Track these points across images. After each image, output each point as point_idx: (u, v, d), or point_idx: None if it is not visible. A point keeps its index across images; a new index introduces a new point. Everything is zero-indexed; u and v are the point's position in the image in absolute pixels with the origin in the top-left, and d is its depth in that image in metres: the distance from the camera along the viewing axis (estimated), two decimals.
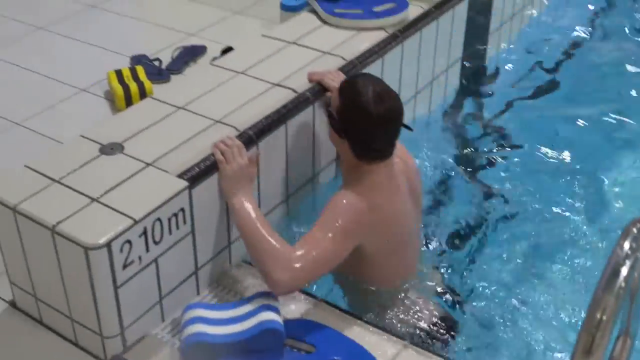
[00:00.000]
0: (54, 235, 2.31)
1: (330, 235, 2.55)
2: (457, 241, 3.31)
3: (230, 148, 2.63)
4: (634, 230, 1.66)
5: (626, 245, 1.63)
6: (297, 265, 2.48)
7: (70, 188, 2.45)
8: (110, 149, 2.63)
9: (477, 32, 4.40)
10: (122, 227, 2.30)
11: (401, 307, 2.84)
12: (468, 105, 4.26)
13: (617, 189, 3.67)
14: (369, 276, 2.84)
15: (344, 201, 2.63)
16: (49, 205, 2.39)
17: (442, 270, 3.10)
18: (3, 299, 2.72)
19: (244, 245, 2.60)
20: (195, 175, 2.54)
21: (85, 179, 2.49)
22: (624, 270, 1.59)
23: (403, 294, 2.87)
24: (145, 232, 2.37)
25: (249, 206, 2.59)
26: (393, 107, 2.67)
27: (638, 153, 3.92)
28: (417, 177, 3.01)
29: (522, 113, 4.26)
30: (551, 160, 3.84)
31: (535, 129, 4.11)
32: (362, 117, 2.63)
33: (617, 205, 3.55)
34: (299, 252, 2.50)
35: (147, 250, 2.40)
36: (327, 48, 3.32)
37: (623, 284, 1.58)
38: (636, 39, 5.02)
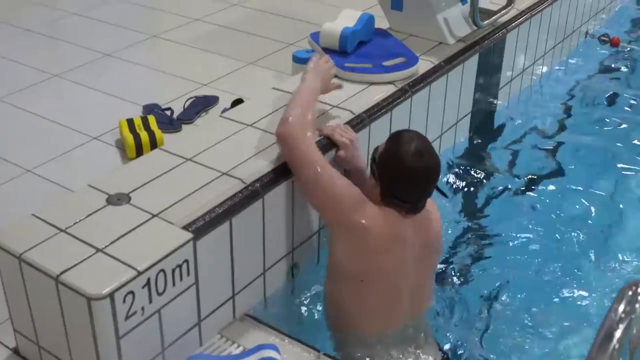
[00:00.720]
0: (57, 284, 2.32)
1: (328, 171, 2.81)
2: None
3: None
4: (629, 293, 1.67)
5: (620, 308, 1.64)
6: (306, 132, 2.82)
7: (75, 238, 2.47)
8: (117, 199, 2.65)
9: (487, 87, 4.43)
10: (126, 278, 2.31)
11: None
12: (476, 160, 4.28)
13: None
14: (351, 318, 2.90)
15: (356, 192, 2.81)
16: (54, 254, 2.40)
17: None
18: (6, 346, 2.74)
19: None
20: (200, 227, 2.56)
21: (91, 229, 2.51)
22: (618, 334, 1.60)
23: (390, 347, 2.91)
24: (148, 283, 2.38)
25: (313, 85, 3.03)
26: (428, 166, 2.75)
27: None
28: (434, 238, 3.01)
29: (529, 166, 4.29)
30: (555, 212, 3.87)
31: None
32: (396, 166, 2.75)
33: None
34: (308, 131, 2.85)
35: (150, 301, 2.41)
36: (336, 102, 3.34)
37: (617, 346, 1.59)
38: None
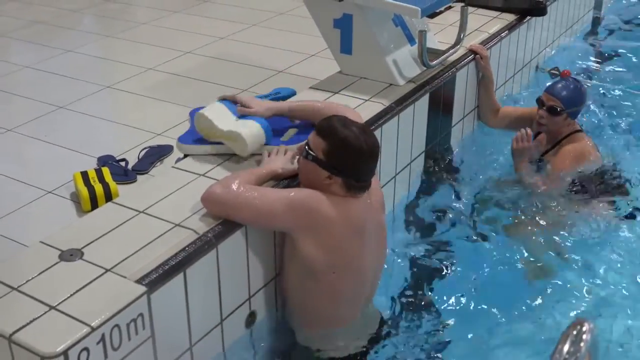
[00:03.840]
0: (10, 344, 2.30)
1: (277, 194, 2.85)
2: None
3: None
4: (574, 332, 1.68)
5: (565, 348, 1.65)
6: (234, 188, 2.80)
7: (28, 296, 2.45)
8: (70, 255, 2.64)
9: (439, 125, 4.46)
10: (80, 334, 2.29)
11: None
12: (431, 198, 4.30)
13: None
14: (327, 311, 3.03)
15: (308, 190, 2.87)
16: (6, 314, 2.39)
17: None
18: None
19: None
20: (154, 280, 2.55)
21: (43, 287, 2.49)
22: None
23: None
24: (103, 339, 2.36)
25: (260, 170, 3.03)
26: (375, 139, 2.92)
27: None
28: (380, 201, 3.16)
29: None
30: (510, 250, 3.91)
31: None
32: (355, 153, 2.84)
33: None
34: (246, 186, 2.82)
35: (106, 357, 2.40)
36: None
37: None
38: None
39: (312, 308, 3.03)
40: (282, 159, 3.14)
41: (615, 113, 5.46)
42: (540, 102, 4.32)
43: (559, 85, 4.29)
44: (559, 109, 4.20)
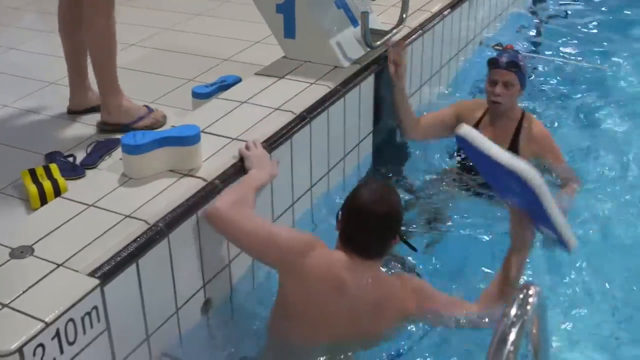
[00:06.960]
0: None
1: (269, 226, 3.01)
2: None
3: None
4: (520, 296, 1.72)
5: (512, 312, 1.69)
6: (230, 208, 2.89)
7: None
8: (20, 252, 2.63)
9: (386, 105, 4.48)
10: (34, 331, 2.29)
11: None
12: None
13: None
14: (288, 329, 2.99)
15: (308, 236, 2.98)
16: None
17: None
18: None
19: None
20: (107, 272, 2.55)
21: None
22: (511, 337, 1.65)
23: None
24: (58, 334, 2.36)
25: (253, 180, 3.11)
26: (374, 205, 2.90)
27: None
28: (382, 300, 2.98)
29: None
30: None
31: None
32: (348, 202, 2.97)
33: None
34: (254, 217, 2.95)
35: (62, 352, 2.40)
36: (236, 134, 3.38)
37: (512, 349, 1.64)
38: None
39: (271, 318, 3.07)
40: (269, 167, 3.24)
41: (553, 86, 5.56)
42: (492, 81, 4.12)
43: (505, 57, 4.12)
44: (515, 82, 4.08)
